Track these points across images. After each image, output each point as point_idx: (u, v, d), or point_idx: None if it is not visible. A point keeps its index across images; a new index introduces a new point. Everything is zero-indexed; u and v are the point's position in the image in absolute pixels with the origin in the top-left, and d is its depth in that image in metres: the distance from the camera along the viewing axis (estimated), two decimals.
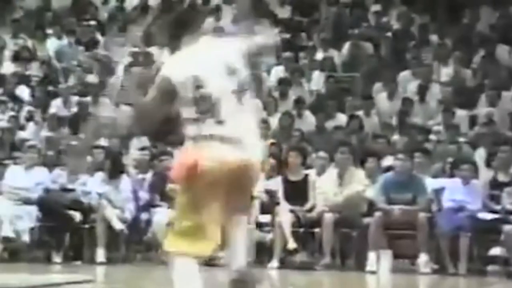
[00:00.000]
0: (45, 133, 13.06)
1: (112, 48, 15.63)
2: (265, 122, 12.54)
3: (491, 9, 14.89)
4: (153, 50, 15.17)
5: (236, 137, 4.33)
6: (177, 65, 4.40)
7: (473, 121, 12.54)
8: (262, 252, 10.41)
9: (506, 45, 13.93)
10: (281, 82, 13.70)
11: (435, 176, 10.76)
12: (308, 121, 12.75)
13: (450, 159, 11.16)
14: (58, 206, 10.71)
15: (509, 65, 13.67)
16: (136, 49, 15.32)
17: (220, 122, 4.33)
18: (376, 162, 10.79)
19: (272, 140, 12.04)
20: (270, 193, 10.61)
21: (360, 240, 10.21)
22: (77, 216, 10.66)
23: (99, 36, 16.06)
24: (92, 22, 16.33)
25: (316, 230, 10.26)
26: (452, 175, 10.67)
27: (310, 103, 13.32)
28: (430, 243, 9.99)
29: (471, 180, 10.25)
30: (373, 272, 9.84)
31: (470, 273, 9.81)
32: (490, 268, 10.35)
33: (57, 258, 10.56)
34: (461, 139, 11.84)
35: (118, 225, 10.49)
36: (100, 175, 10.90)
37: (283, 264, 10.13)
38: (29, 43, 15.78)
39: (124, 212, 10.68)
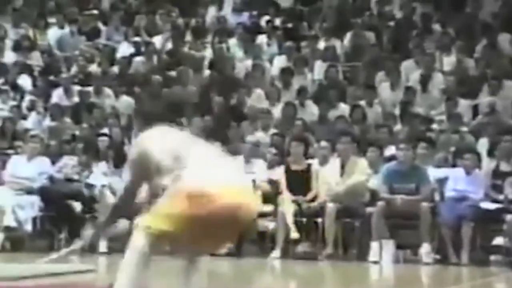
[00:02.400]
0: (47, 122, 13.05)
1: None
2: (267, 112, 12.53)
3: None
4: (155, 39, 15.15)
5: None
6: None
7: (475, 110, 12.51)
8: (264, 242, 10.41)
9: (509, 33, 13.88)
10: (284, 71, 13.66)
11: (437, 165, 10.74)
12: (311, 111, 12.72)
13: (452, 149, 11.15)
14: (59, 196, 10.69)
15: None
16: (138, 39, 15.29)
17: None
18: (379, 152, 10.77)
19: (274, 130, 12.02)
20: (273, 183, 10.59)
21: (362, 230, 10.20)
22: (77, 206, 10.64)
23: (101, 26, 16.03)
24: (94, 11, 16.30)
25: (319, 220, 10.24)
26: (454, 165, 10.65)
27: (313, 93, 13.29)
28: (432, 233, 9.98)
29: (474, 170, 10.23)
30: (375, 262, 9.82)
31: (473, 263, 9.78)
32: (492, 258, 10.33)
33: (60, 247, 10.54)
34: (464, 129, 11.82)
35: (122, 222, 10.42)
36: (103, 164, 10.88)
37: (285, 254, 10.11)
38: (30, 32, 15.74)
39: None
